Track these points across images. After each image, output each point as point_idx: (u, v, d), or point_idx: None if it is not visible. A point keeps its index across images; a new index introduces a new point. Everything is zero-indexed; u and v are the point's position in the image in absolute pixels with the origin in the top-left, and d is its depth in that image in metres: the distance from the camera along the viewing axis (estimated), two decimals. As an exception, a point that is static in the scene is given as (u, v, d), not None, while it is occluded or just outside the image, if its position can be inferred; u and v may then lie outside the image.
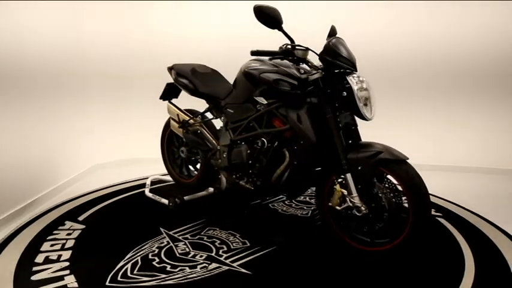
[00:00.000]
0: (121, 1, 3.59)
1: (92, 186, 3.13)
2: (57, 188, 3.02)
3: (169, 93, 2.86)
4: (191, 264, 1.91)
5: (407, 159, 1.77)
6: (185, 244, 2.13)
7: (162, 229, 2.32)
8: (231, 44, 3.64)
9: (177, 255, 2.01)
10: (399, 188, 1.83)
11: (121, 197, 2.98)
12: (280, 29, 1.90)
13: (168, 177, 3.34)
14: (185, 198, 2.69)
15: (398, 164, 1.77)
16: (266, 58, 2.16)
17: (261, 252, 2.04)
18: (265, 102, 2.07)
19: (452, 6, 3.51)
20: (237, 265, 1.91)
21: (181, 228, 2.34)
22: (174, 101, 2.80)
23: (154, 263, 1.92)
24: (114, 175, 3.47)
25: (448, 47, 3.62)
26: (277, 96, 2.01)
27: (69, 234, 2.26)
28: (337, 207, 1.92)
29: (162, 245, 2.12)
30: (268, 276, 1.82)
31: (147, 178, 3.23)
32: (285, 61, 2.10)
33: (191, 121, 2.57)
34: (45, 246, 2.09)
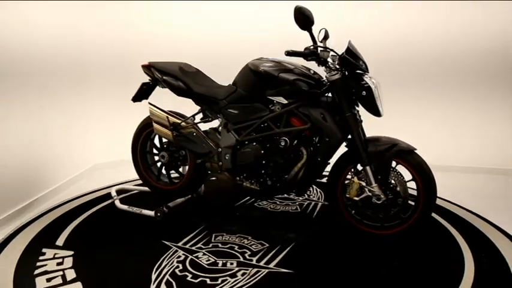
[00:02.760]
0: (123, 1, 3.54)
1: (92, 187, 3.08)
2: (57, 188, 3.00)
3: (142, 94, 2.63)
4: (229, 273, 1.83)
5: (416, 149, 2.03)
6: (205, 254, 2.02)
7: (166, 242, 2.14)
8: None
9: (206, 266, 1.90)
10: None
11: (90, 212, 2.61)
12: (310, 31, 1.95)
13: (132, 186, 3.07)
14: (169, 205, 2.54)
15: (410, 154, 2.01)
16: (269, 57, 2.20)
17: (286, 250, 2.06)
18: (285, 101, 2.09)
19: (456, 4, 3.46)
20: (273, 266, 1.91)
21: (187, 239, 2.20)
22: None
23: (189, 278, 1.78)
24: (114, 175, 3.34)
25: (448, 46, 3.57)
26: (297, 96, 2.06)
27: (59, 263, 1.91)
28: (355, 198, 2.08)
29: (181, 259, 1.97)
30: (309, 271, 1.87)
31: (110, 187, 2.93)
32: (289, 61, 2.16)
33: (183, 124, 2.41)
34: (41, 283, 1.73)
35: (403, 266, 1.92)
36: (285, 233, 2.27)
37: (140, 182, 3.24)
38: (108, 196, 2.87)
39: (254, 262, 1.94)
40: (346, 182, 2.17)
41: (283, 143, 2.09)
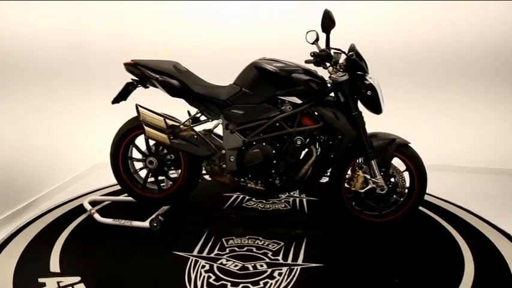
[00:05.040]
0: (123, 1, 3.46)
1: (92, 186, 3.07)
2: (58, 188, 2.99)
3: (124, 95, 2.41)
4: (265, 275, 1.82)
5: (410, 143, 2.27)
6: (228, 260, 1.96)
7: (180, 253, 2.02)
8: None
9: (239, 272, 1.85)
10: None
11: (72, 226, 2.30)
12: (328, 34, 2.02)
13: (100, 196, 2.80)
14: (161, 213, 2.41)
15: (406, 147, 2.25)
16: (272, 57, 2.23)
17: (303, 246, 2.12)
18: (299, 101, 2.13)
19: (454, 4, 3.37)
20: (302, 262, 1.95)
21: (199, 247, 2.10)
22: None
23: (229, 287, 1.71)
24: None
25: (446, 46, 3.48)
26: (309, 96, 2.13)
27: (71, 293, 1.65)
28: (360, 190, 2.25)
29: (207, 268, 1.88)
30: (337, 262, 1.96)
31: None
32: (291, 61, 2.22)
33: (181, 126, 2.28)
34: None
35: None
36: (291, 230, 2.32)
37: (109, 190, 3.00)
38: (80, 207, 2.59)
39: (281, 261, 1.96)
40: (348, 175, 2.32)
41: (299, 142, 2.14)
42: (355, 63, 2.11)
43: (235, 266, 1.91)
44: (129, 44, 3.40)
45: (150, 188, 2.54)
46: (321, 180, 2.36)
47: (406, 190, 2.31)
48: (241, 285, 1.74)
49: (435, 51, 3.51)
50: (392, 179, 2.28)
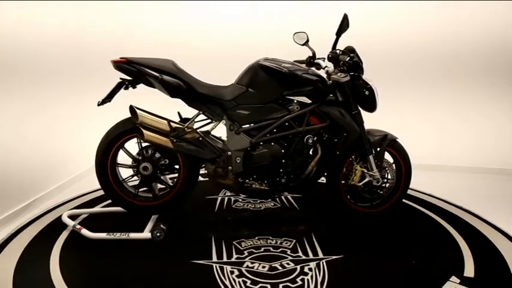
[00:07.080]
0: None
1: (91, 187, 3.01)
2: (58, 188, 2.99)
3: (110, 95, 2.20)
4: (297, 272, 1.85)
5: (398, 138, 2.50)
6: (253, 262, 1.94)
7: (200, 262, 1.93)
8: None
9: (271, 273, 1.84)
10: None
11: (69, 230, 2.01)
12: (339, 37, 2.11)
13: (77, 210, 2.57)
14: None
15: (396, 142, 2.47)
16: (273, 57, 2.27)
17: (315, 240, 2.19)
18: (309, 101, 2.18)
19: (454, 4, 3.38)
20: (323, 255, 2.01)
21: (215, 253, 2.03)
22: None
23: (270, 288, 1.70)
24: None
25: (446, 43, 3.47)
26: (316, 96, 2.20)
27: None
28: (358, 184, 2.40)
29: (236, 273, 1.84)
30: (355, 252, 2.06)
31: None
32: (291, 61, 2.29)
33: (185, 129, 2.16)
34: None
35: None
36: (295, 226, 2.37)
37: (84, 199, 2.82)
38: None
39: (304, 257, 2.00)
40: (344, 170, 2.46)
41: (310, 141, 2.20)
42: (357, 64, 2.25)
43: (263, 267, 1.89)
44: (129, 44, 3.24)
45: (142, 196, 2.36)
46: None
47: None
48: (281, 285, 1.73)
49: (435, 50, 3.50)
50: (383, 172, 2.48)
